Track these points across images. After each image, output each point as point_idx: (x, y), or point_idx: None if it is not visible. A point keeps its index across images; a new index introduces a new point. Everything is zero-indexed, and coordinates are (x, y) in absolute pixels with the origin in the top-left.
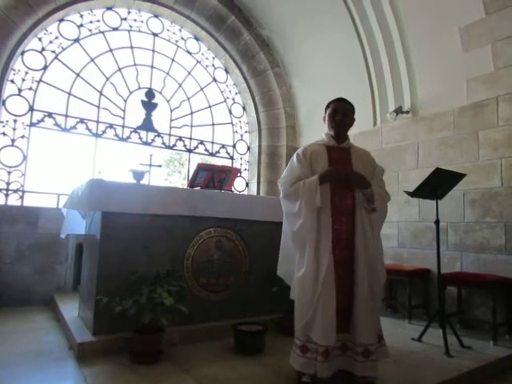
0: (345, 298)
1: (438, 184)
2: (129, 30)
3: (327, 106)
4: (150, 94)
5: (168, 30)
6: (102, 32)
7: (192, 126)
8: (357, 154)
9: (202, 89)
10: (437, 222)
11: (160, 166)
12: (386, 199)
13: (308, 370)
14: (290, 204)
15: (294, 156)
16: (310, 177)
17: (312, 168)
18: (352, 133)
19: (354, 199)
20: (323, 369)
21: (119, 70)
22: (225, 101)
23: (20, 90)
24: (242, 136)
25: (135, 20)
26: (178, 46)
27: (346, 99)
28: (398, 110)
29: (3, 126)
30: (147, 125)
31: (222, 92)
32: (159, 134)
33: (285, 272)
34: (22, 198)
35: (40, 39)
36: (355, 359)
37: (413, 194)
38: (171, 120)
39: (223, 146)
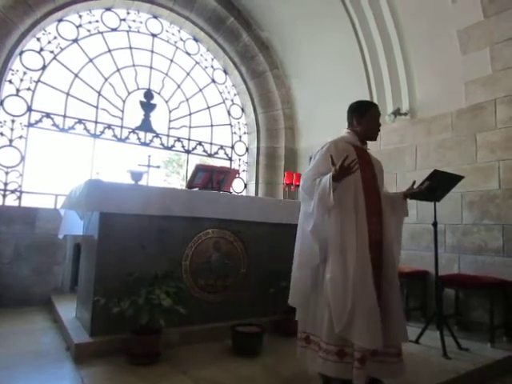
0: (378, 299)
1: (435, 186)
2: (128, 31)
3: (366, 109)
4: (148, 94)
5: (167, 31)
6: (101, 32)
7: (190, 127)
8: (373, 158)
9: (200, 90)
10: (435, 224)
11: (158, 166)
12: None
13: (344, 376)
14: (306, 201)
15: (323, 150)
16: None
17: None
18: None
19: (380, 199)
20: (360, 376)
21: (118, 70)
22: (223, 102)
23: (18, 91)
24: (240, 137)
25: (134, 21)
26: (177, 47)
27: None
28: (397, 112)
29: (1, 127)
30: (146, 125)
31: (220, 93)
32: (158, 135)
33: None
34: (19, 198)
35: (38, 39)
36: (388, 362)
37: (411, 196)
38: (170, 121)
39: (222, 147)
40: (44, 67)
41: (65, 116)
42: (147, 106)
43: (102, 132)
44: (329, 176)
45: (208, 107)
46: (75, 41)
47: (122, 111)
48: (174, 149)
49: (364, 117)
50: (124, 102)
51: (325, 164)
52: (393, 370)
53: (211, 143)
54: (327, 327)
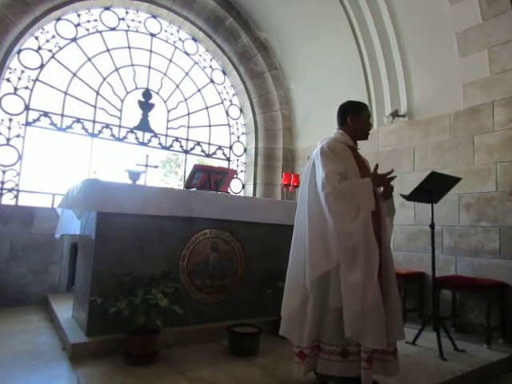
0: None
1: (433, 188)
2: (126, 30)
3: (361, 109)
4: (147, 94)
5: (166, 31)
6: (100, 32)
7: (189, 127)
8: (363, 158)
9: (199, 90)
10: (432, 226)
11: (156, 166)
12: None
13: (347, 374)
14: (341, 205)
15: (327, 151)
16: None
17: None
18: None
19: (378, 201)
20: (368, 376)
21: (116, 69)
22: (222, 102)
23: (16, 89)
24: (238, 138)
25: (133, 20)
26: (176, 47)
27: None
28: (395, 114)
29: None
30: (144, 125)
31: (219, 93)
32: (156, 135)
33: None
34: (16, 197)
35: (37, 38)
36: (385, 360)
37: (408, 198)
38: (168, 121)
39: (220, 148)
40: (42, 66)
41: (63, 115)
42: (145, 105)
43: (100, 131)
44: (369, 180)
45: (206, 107)
46: (74, 40)
47: (120, 111)
48: (172, 149)
49: (360, 115)
50: (122, 101)
51: (337, 163)
52: (389, 368)
53: (209, 143)
54: (330, 329)
